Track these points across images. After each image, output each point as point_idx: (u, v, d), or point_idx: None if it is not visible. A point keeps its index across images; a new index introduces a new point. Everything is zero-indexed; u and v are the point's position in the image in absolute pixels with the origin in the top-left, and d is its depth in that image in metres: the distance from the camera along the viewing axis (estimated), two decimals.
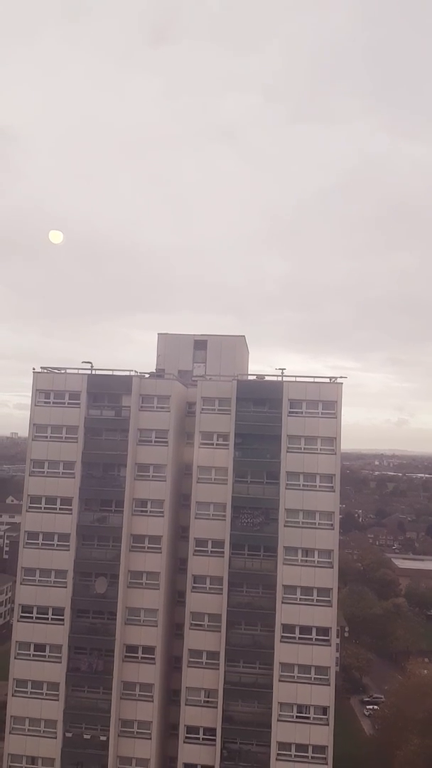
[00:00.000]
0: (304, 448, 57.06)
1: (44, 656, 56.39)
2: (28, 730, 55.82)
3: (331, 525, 56.27)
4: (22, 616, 57.50)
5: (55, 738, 55.10)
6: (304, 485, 56.60)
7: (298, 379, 58.92)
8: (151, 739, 55.21)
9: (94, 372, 59.99)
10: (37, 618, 56.98)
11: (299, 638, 54.73)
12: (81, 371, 59.97)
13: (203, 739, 54.85)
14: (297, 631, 54.83)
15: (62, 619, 56.39)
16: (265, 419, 57.79)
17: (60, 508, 57.99)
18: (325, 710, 54.12)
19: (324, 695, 54.17)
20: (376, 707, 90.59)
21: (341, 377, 58.24)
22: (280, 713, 54.06)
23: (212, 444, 58.14)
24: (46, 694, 55.93)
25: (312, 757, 53.33)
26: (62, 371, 60.73)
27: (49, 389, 59.73)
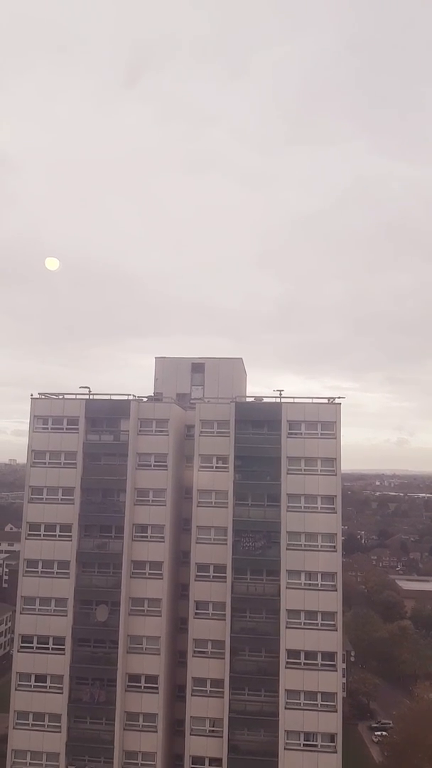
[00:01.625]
0: (305, 470, 56.78)
1: (45, 687, 55.50)
2: (30, 763, 54.76)
3: (334, 547, 55.79)
4: (22, 647, 56.68)
5: None
6: (305, 507, 56.22)
7: (296, 400, 58.91)
8: None
9: (92, 397, 59.91)
10: (37, 648, 56.19)
11: (304, 664, 53.90)
12: (79, 396, 59.92)
13: None
14: (302, 656, 54.02)
15: (63, 649, 55.57)
16: (264, 441, 57.58)
17: (59, 535, 57.52)
18: (332, 737, 53.10)
19: (331, 722, 53.20)
20: (384, 733, 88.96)
21: (339, 398, 58.37)
22: (287, 741, 53.03)
23: (212, 467, 57.87)
24: (47, 726, 54.93)
25: None
26: (60, 397, 60.65)
27: (47, 415, 59.60)
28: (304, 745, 53.01)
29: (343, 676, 77.24)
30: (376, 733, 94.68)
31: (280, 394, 58.87)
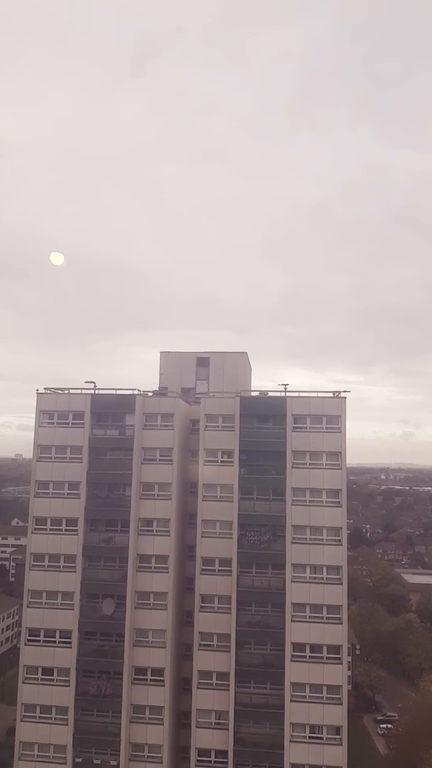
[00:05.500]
0: (310, 464, 56.80)
1: (52, 680, 55.82)
2: (38, 755, 55.13)
3: (339, 541, 55.86)
4: (29, 640, 57.01)
5: (65, 763, 54.34)
6: (310, 501, 56.27)
7: (301, 394, 58.87)
8: (162, 763, 54.38)
9: (97, 392, 60.01)
10: (44, 641, 56.47)
11: (310, 657, 54.08)
12: (84, 391, 59.98)
13: (215, 762, 54.01)
14: (307, 649, 54.19)
15: (70, 642, 55.87)
16: (269, 435, 57.61)
17: (66, 529, 57.73)
18: (338, 730, 53.33)
19: (336, 715, 53.41)
20: (390, 726, 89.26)
21: (345, 391, 58.24)
22: (293, 734, 53.27)
23: (217, 461, 57.96)
24: (54, 718, 55.27)
25: None
26: (65, 391, 60.78)
27: (53, 410, 59.74)
28: (309, 737, 53.25)
29: (349, 669, 77.45)
30: (382, 725, 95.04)
31: (285, 388, 58.85)
